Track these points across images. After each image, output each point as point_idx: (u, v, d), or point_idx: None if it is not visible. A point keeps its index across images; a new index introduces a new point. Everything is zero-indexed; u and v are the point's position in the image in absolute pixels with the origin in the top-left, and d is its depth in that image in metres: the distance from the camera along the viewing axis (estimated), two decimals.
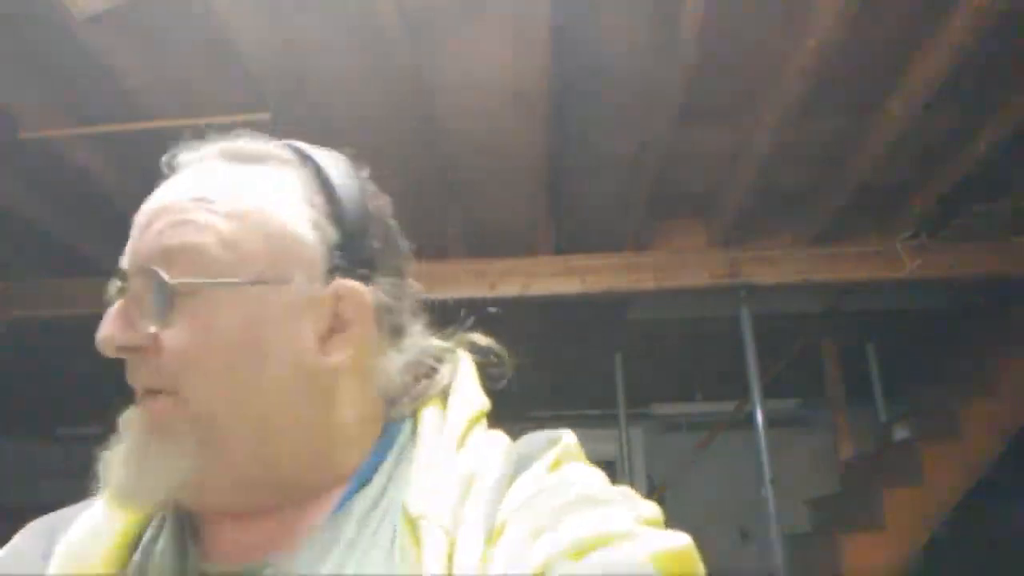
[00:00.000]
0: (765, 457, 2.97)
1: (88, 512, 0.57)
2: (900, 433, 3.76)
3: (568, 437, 0.56)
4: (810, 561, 3.38)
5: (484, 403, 0.59)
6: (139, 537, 0.56)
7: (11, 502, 4.14)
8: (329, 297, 0.53)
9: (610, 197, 3.03)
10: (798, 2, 2.02)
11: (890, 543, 3.08)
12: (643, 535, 0.45)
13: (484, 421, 0.58)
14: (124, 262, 0.53)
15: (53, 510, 0.61)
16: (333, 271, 0.54)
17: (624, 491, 0.51)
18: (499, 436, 0.57)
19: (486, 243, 3.21)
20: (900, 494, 3.15)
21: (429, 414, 0.58)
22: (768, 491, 2.92)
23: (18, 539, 0.59)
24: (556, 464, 0.53)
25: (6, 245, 3.12)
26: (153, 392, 0.51)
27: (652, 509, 0.49)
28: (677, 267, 3.17)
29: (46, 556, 0.54)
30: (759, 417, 3.06)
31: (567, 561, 0.44)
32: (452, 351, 0.62)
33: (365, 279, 0.55)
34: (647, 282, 3.14)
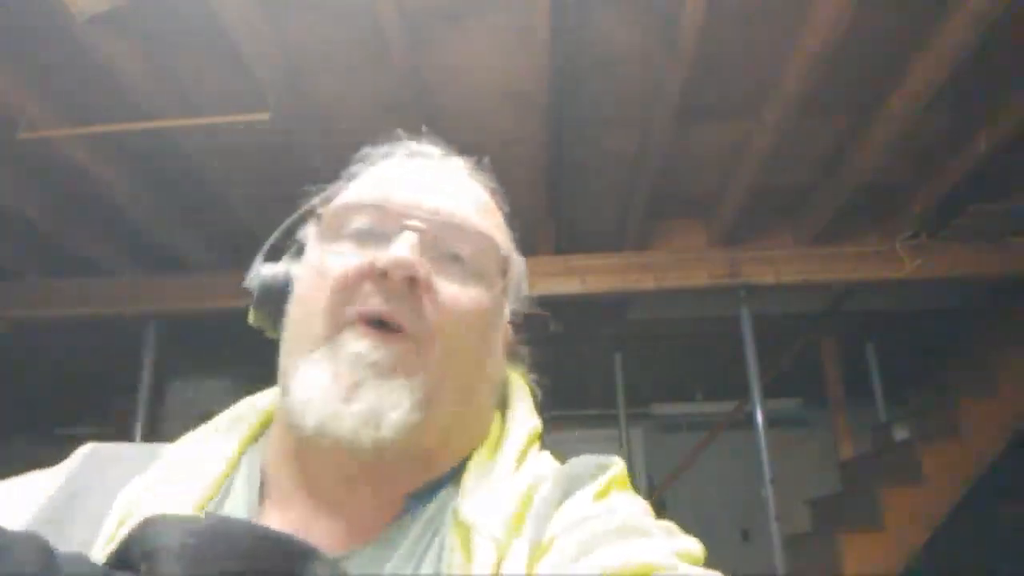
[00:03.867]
0: (765, 457, 2.98)
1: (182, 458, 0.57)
2: (900, 433, 3.76)
3: (618, 464, 0.57)
4: (810, 561, 3.38)
5: (539, 424, 0.61)
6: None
7: None
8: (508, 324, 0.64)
9: (610, 197, 3.04)
10: (798, 2, 2.02)
11: (890, 543, 3.08)
12: (681, 569, 0.45)
13: (538, 442, 0.60)
14: (410, 206, 0.56)
15: None
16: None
17: (667, 525, 0.52)
18: (549, 456, 0.59)
19: None
20: (900, 494, 3.14)
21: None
22: (768, 491, 2.92)
23: (75, 464, 0.60)
24: (604, 492, 0.54)
25: (6, 245, 3.12)
26: (391, 329, 0.53)
27: (694, 544, 0.49)
28: (677, 267, 3.17)
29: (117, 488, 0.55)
30: (759, 417, 3.06)
31: None
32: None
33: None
34: (647, 282, 3.14)
